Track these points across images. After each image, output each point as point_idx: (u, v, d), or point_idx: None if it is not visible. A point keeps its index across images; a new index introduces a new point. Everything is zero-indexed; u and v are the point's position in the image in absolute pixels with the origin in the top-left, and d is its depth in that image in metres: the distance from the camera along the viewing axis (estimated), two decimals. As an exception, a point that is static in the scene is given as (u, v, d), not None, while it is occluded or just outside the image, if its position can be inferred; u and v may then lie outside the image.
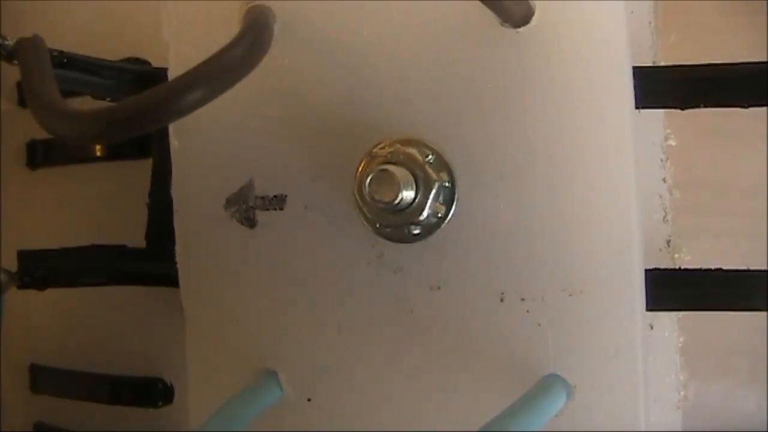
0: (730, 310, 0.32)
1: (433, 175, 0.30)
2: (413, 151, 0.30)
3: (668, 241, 0.34)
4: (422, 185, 0.30)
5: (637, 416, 0.30)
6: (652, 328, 0.33)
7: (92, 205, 0.43)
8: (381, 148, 0.31)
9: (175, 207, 0.35)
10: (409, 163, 0.30)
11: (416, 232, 0.31)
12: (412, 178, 0.30)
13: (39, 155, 0.43)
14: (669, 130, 0.35)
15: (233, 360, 0.35)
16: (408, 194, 0.30)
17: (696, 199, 0.44)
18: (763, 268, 0.31)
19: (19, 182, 0.44)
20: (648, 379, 0.31)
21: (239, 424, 0.32)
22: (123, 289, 0.39)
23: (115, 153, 0.42)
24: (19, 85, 0.43)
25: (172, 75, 0.34)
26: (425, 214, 0.30)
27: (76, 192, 0.43)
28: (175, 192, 0.35)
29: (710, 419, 0.46)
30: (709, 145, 0.45)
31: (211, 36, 0.30)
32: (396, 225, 0.31)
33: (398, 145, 0.31)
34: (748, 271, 0.31)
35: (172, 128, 0.35)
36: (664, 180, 0.34)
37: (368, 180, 0.29)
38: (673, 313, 0.35)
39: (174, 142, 0.35)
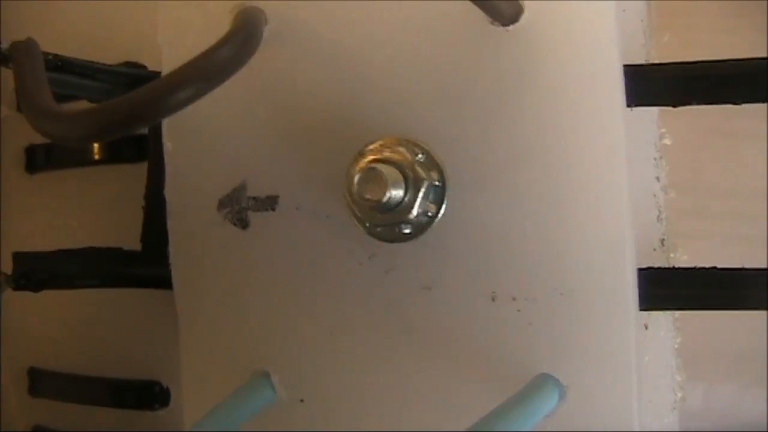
0: (726, 309, 0.32)
1: (423, 174, 0.30)
2: (403, 150, 0.30)
3: (662, 241, 0.34)
4: (411, 184, 0.30)
5: (630, 416, 0.30)
6: (646, 328, 0.32)
7: (92, 209, 0.43)
8: (371, 148, 0.31)
9: (168, 209, 0.35)
10: (398, 162, 0.30)
11: (407, 231, 0.31)
12: (401, 177, 0.30)
13: (38, 159, 0.43)
14: (664, 130, 0.35)
15: (226, 361, 0.35)
16: (397, 193, 0.30)
17: (694, 200, 0.44)
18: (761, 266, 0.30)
19: (19, 187, 0.44)
20: (642, 379, 0.30)
21: (231, 426, 0.32)
22: (120, 292, 0.39)
23: (114, 156, 0.42)
24: (18, 89, 0.43)
25: (165, 78, 0.35)
26: (415, 212, 0.30)
27: (76, 196, 0.43)
28: (168, 194, 0.35)
29: (716, 423, 0.46)
30: (707, 146, 0.45)
31: (204, 39, 0.30)
32: (387, 224, 0.31)
33: (388, 144, 0.31)
34: (745, 269, 0.31)
35: (165, 130, 0.35)
36: (657, 179, 0.34)
37: (357, 179, 0.29)
38: (669, 313, 0.35)
39: (167, 144, 0.35)
